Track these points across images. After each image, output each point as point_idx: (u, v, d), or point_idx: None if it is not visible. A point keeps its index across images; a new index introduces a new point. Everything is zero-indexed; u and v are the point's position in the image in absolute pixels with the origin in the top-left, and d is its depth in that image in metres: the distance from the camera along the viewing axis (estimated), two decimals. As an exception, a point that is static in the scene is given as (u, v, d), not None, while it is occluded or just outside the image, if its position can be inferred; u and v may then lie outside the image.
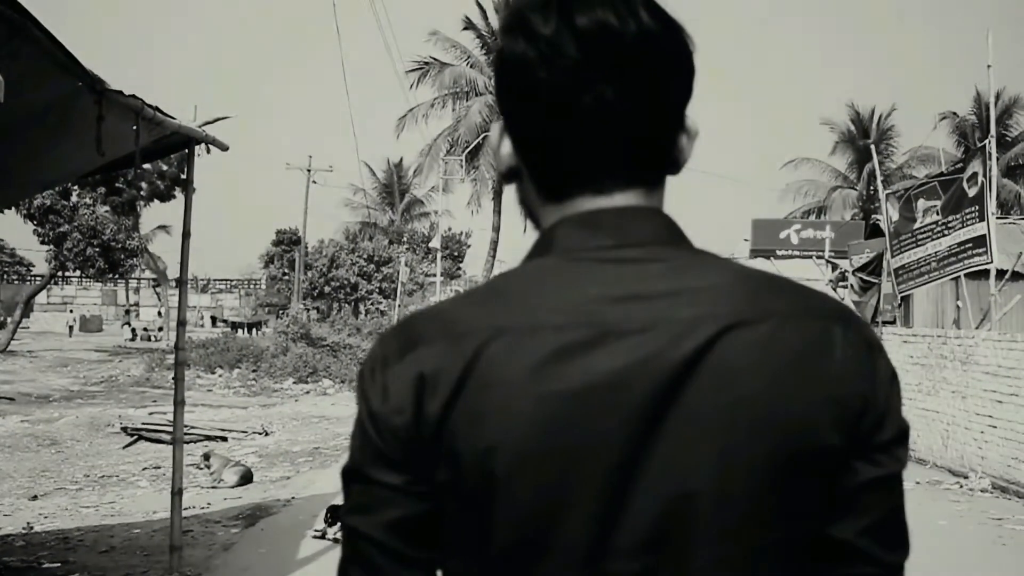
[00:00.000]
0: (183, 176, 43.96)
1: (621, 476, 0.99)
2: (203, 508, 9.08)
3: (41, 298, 71.99)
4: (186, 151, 6.82)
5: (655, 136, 1.09)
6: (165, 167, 41.60)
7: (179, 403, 6.59)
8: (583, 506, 0.99)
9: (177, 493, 6.53)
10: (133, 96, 5.22)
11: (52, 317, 66.77)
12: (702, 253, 1.09)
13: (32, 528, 8.31)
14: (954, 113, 39.61)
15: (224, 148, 6.87)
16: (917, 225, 13.35)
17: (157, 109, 5.55)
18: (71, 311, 64.56)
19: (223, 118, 6.66)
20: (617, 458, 0.99)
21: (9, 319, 39.36)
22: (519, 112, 1.10)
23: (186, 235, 6.73)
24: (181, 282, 6.76)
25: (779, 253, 26.55)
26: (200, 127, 6.44)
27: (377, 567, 1.05)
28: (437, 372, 1.01)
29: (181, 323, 6.65)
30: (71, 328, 58.24)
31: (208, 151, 6.88)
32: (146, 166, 43.39)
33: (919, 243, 13.29)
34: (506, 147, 1.14)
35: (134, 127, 5.37)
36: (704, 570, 1.00)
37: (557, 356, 1.00)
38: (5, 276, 71.69)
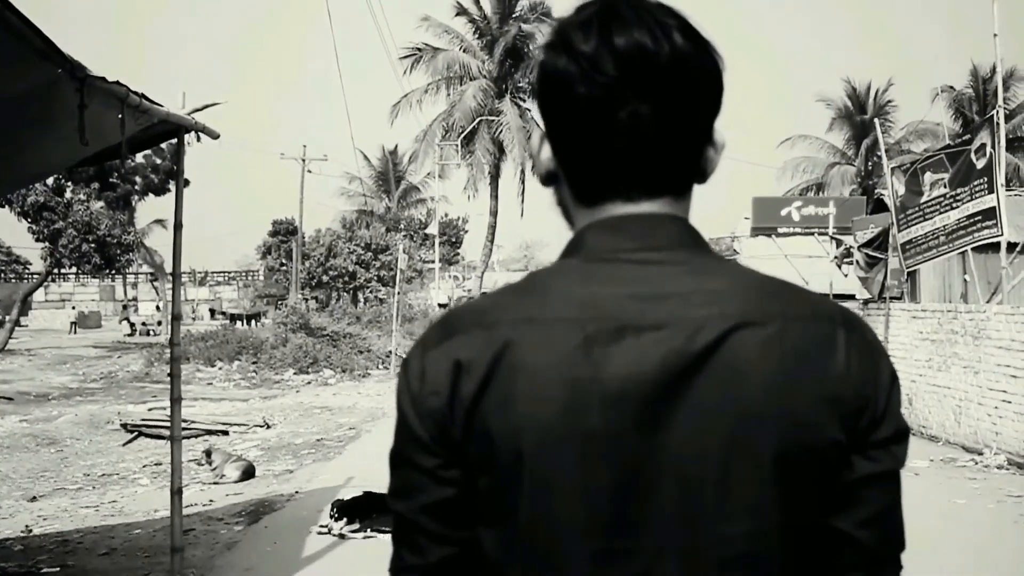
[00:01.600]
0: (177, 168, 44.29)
1: (636, 459, 1.09)
2: (205, 505, 8.89)
3: (39, 296, 71.80)
4: (176, 140, 6.64)
5: (685, 150, 1.18)
6: (159, 160, 41.44)
7: (176, 400, 6.38)
8: (601, 485, 1.09)
9: (177, 492, 6.33)
10: (117, 83, 4.99)
11: (51, 314, 66.58)
12: (718, 258, 1.20)
13: (31, 531, 8.12)
14: (951, 87, 39.36)
15: (215, 136, 6.65)
16: (924, 199, 13.12)
17: (143, 96, 5.32)
18: (73, 308, 64.35)
19: (212, 104, 6.42)
20: (632, 442, 1.08)
21: (7, 318, 39.13)
22: (558, 122, 1.18)
23: (178, 227, 6.50)
24: (174, 275, 6.53)
25: (780, 231, 26.31)
26: (189, 115, 6.21)
27: (420, 547, 1.17)
28: (471, 358, 1.12)
29: (175, 317, 6.43)
30: (73, 325, 58.03)
31: (199, 139, 6.66)
32: (139, 159, 43.30)
33: (926, 217, 13.06)
34: (546, 152, 1.23)
35: (119, 116, 5.16)
36: (711, 548, 1.09)
37: (580, 347, 1.09)
38: (2, 275, 71.47)
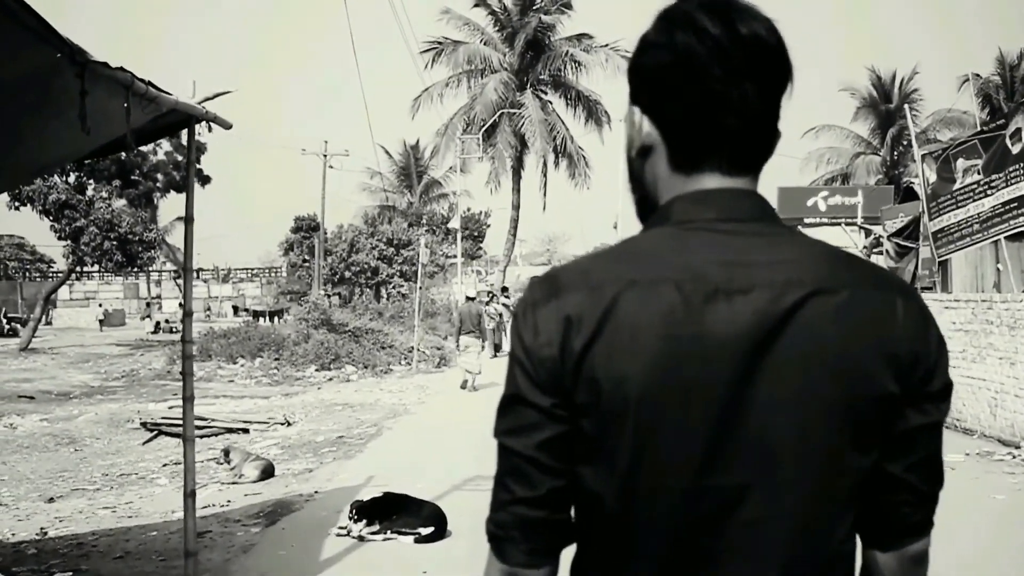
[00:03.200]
0: (199, 166, 44.08)
1: (726, 406, 1.24)
2: (223, 506, 8.69)
3: (64, 294, 72.37)
4: (187, 131, 6.43)
5: (771, 130, 1.35)
6: (180, 157, 41.39)
7: (188, 399, 6.17)
8: (696, 428, 1.24)
9: (190, 495, 6.12)
10: (121, 69, 4.78)
11: (75, 313, 67.02)
12: (791, 230, 1.35)
13: (46, 534, 7.95)
14: (977, 75, 38.81)
15: (227, 126, 6.43)
16: (957, 186, 12.76)
17: (150, 84, 5.11)
18: (100, 305, 64.69)
19: (223, 93, 6.21)
20: (723, 392, 1.23)
21: (31, 316, 39.24)
22: (673, 95, 1.32)
23: (189, 220, 6.30)
24: (186, 270, 6.32)
25: (807, 221, 25.91)
26: (200, 104, 6.00)
27: (531, 478, 1.31)
28: (580, 315, 1.26)
29: (188, 313, 6.22)
30: (101, 322, 58.31)
31: (210, 130, 6.45)
32: (160, 155, 43.35)
33: (959, 204, 12.71)
34: (646, 126, 1.37)
35: (125, 104, 4.95)
36: (788, 484, 1.25)
37: (678, 306, 1.24)
38: (27, 274, 71.89)
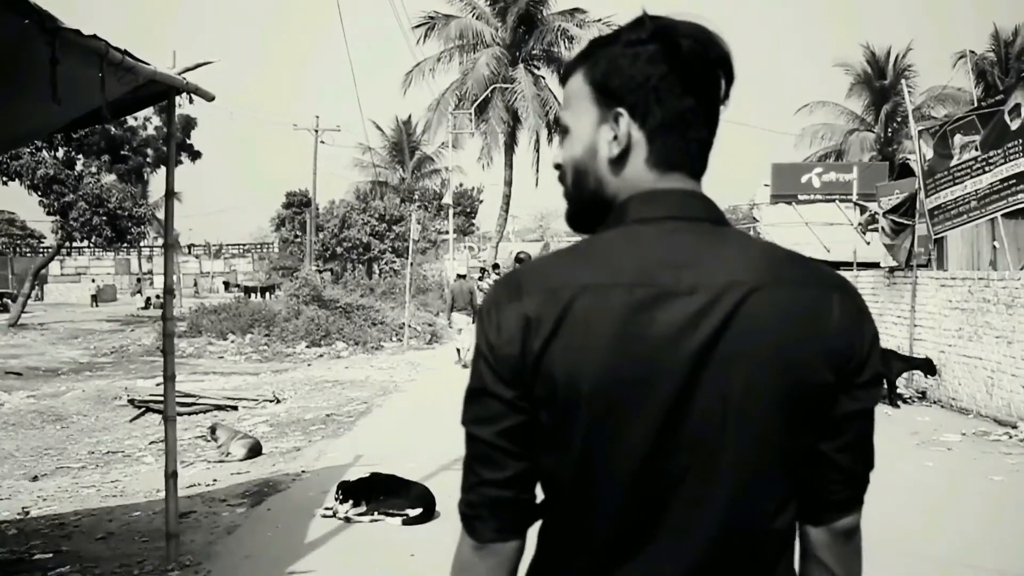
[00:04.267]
0: (189, 141, 43.78)
1: (670, 400, 1.36)
2: (208, 485, 8.55)
3: (55, 269, 72.13)
4: (166, 103, 6.24)
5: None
6: (170, 132, 41.02)
7: (170, 378, 6.03)
8: (642, 420, 1.36)
9: (172, 476, 6.00)
10: (94, 36, 4.60)
11: (66, 288, 66.81)
12: (736, 231, 1.47)
13: (28, 513, 7.80)
14: (972, 52, 38.59)
15: (209, 98, 6.25)
16: (954, 162, 12.58)
17: (126, 53, 4.92)
18: (93, 281, 64.43)
19: (204, 64, 6.01)
20: (668, 387, 1.36)
21: (19, 292, 38.99)
22: (678, 96, 1.44)
23: (169, 194, 6.13)
24: (166, 245, 6.16)
25: (801, 198, 25.74)
26: (180, 74, 5.81)
27: (497, 462, 1.44)
28: (539, 316, 1.38)
29: (168, 290, 6.06)
30: (94, 297, 58.04)
31: (191, 101, 6.26)
32: (150, 130, 43.01)
33: (956, 181, 12.54)
34: (634, 131, 1.46)
35: (100, 74, 4.76)
36: (730, 466, 1.38)
37: (628, 309, 1.36)
38: (18, 249, 71.58)
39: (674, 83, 1.43)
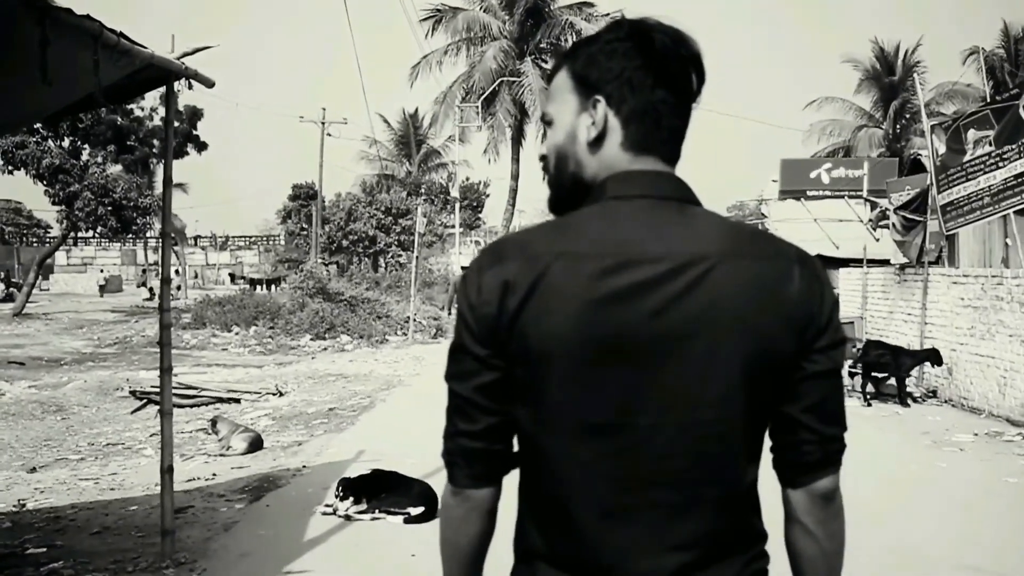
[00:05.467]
0: (195, 132, 43.64)
1: (636, 360, 1.47)
2: (208, 480, 8.41)
3: (61, 259, 72.06)
4: (168, 89, 6.09)
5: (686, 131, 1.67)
6: (177, 123, 40.92)
7: (166, 371, 5.88)
8: (609, 377, 1.48)
9: (168, 471, 5.85)
10: (87, 17, 4.44)
11: (72, 278, 66.69)
12: (704, 210, 1.60)
13: (24, 506, 7.67)
14: (981, 48, 38.30)
15: (209, 84, 6.09)
16: (967, 158, 12.38)
17: (121, 35, 4.76)
18: (101, 271, 64.32)
19: (204, 48, 5.85)
20: (635, 347, 1.47)
21: (24, 282, 38.92)
22: (641, 92, 1.58)
23: (167, 183, 5.98)
24: (163, 234, 5.99)
25: (810, 194, 25.49)
26: (179, 59, 5.64)
27: (470, 415, 1.59)
28: (516, 280, 1.50)
29: (165, 280, 5.92)
30: (102, 288, 57.97)
31: (190, 87, 6.11)
32: (156, 121, 42.77)
33: (970, 177, 12.34)
34: (611, 117, 1.60)
35: (95, 57, 4.61)
36: (691, 427, 1.49)
37: (597, 275, 1.48)
38: (24, 239, 71.57)
39: (647, 75, 1.57)
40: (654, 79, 1.57)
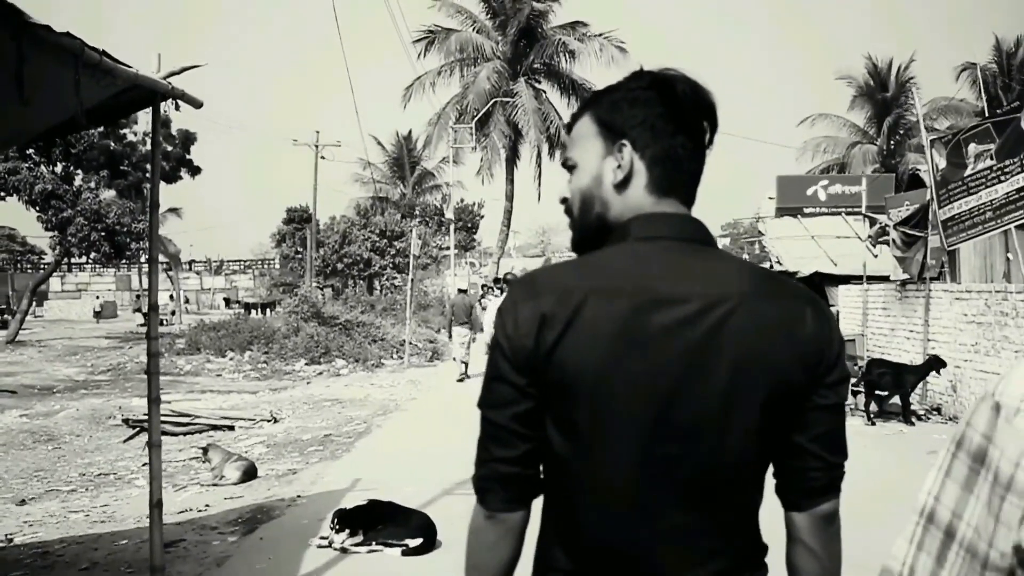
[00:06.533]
0: (188, 156, 43.49)
1: (665, 393, 1.56)
2: (200, 511, 8.20)
3: (55, 286, 71.87)
4: (154, 111, 5.91)
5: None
6: (169, 148, 40.81)
7: (154, 400, 5.66)
8: (640, 410, 1.57)
9: (156, 505, 5.63)
10: (68, 34, 4.27)
11: (66, 304, 66.45)
12: (721, 251, 1.73)
13: (11, 541, 7.46)
14: (973, 63, 38.39)
15: (197, 105, 5.92)
16: (968, 172, 12.25)
17: (104, 53, 4.59)
18: (97, 297, 64.07)
19: (191, 67, 5.68)
20: (662, 381, 1.56)
21: (17, 309, 38.66)
22: (664, 138, 1.70)
23: (154, 206, 5.80)
24: (151, 260, 5.80)
25: (806, 211, 25.37)
26: (165, 78, 5.47)
27: (508, 442, 1.64)
28: (553, 313, 1.58)
29: (152, 308, 5.71)
30: (98, 313, 57.72)
31: (177, 108, 5.95)
32: (150, 145, 42.62)
33: (971, 191, 12.20)
34: (636, 160, 1.71)
35: (76, 77, 4.43)
36: (715, 452, 1.59)
37: (630, 312, 1.57)
38: (19, 265, 71.34)
39: (668, 122, 1.68)
40: (675, 126, 1.68)
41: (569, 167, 1.81)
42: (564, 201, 1.83)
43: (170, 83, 5.45)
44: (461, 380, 18.93)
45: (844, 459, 1.71)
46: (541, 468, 1.70)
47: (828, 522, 1.72)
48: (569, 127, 1.85)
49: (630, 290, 1.58)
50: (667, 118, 1.68)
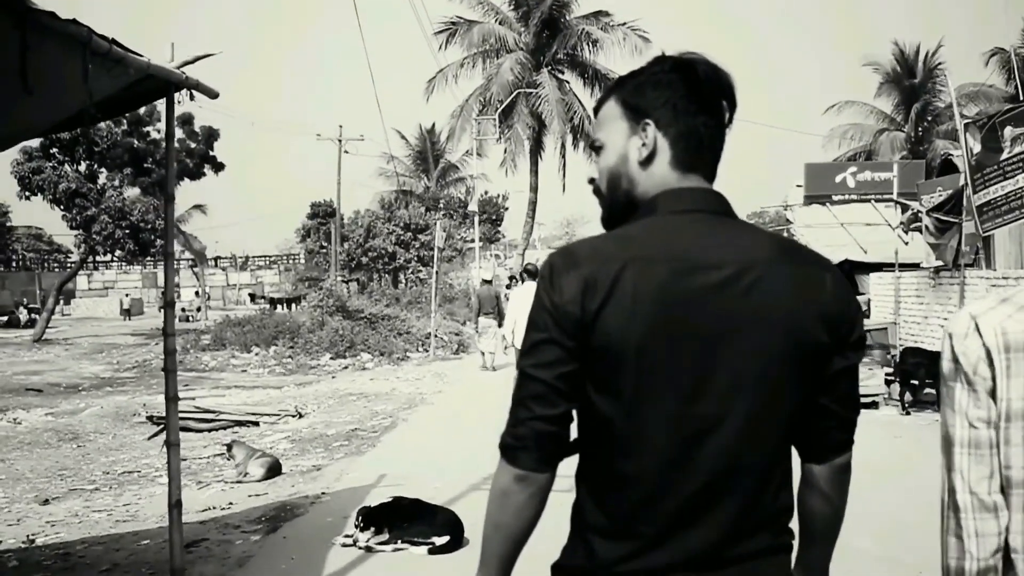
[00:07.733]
0: (212, 153, 43.49)
1: (704, 355, 1.67)
2: (224, 509, 8.06)
3: (82, 284, 72.33)
4: (168, 101, 5.75)
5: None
6: (193, 144, 40.82)
7: (172, 399, 5.52)
8: (681, 370, 1.66)
9: (176, 506, 5.48)
10: (74, 21, 4.11)
11: (93, 303, 66.86)
12: (744, 222, 1.85)
13: (33, 541, 7.35)
14: (1002, 49, 37.79)
15: (213, 95, 5.75)
16: (1005, 156, 11.91)
17: (113, 42, 4.43)
18: (127, 295, 64.36)
19: (204, 56, 5.52)
20: (701, 344, 1.67)
21: (45, 308, 38.82)
22: (687, 117, 1.80)
23: (169, 199, 5.65)
24: (166, 254, 5.66)
25: (835, 198, 25.01)
26: (179, 68, 5.31)
27: (552, 401, 1.71)
28: (595, 281, 1.67)
29: (168, 304, 5.57)
30: (128, 312, 57.97)
31: (192, 98, 5.75)
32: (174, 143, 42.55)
33: (1008, 175, 11.86)
34: (659, 138, 1.81)
35: (87, 65, 4.27)
36: (751, 409, 1.69)
37: (669, 278, 1.67)
38: (46, 264, 71.81)
39: (690, 102, 1.79)
40: (697, 106, 1.79)
41: (596, 148, 1.91)
42: (592, 181, 1.93)
43: (184, 73, 5.29)
44: (487, 370, 19.13)
45: (858, 414, 1.87)
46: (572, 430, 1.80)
47: (843, 470, 1.90)
48: (596, 110, 1.95)
49: (666, 257, 1.68)
50: (689, 98, 1.78)
